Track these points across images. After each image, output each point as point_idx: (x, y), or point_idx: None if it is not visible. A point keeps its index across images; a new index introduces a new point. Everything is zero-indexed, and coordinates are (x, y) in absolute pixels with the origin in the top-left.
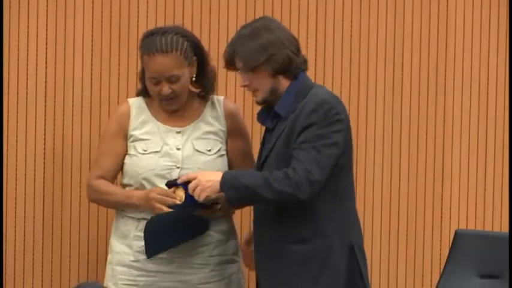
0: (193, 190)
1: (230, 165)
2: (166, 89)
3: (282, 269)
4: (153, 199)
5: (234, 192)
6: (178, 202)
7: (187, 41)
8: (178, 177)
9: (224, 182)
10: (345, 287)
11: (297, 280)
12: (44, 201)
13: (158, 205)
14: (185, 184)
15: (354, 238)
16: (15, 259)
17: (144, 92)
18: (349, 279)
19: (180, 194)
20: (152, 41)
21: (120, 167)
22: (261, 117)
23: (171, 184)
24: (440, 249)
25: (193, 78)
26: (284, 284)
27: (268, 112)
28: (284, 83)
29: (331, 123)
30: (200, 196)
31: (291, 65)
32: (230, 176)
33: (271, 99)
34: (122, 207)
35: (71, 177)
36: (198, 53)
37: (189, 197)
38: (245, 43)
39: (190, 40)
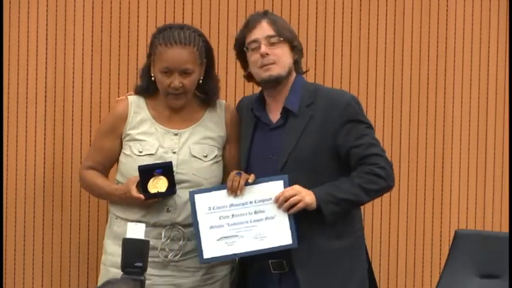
0: (290, 196)
1: (226, 171)
2: (177, 82)
3: (326, 262)
4: (132, 196)
5: (334, 207)
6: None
7: (202, 41)
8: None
9: (321, 199)
10: (367, 277)
11: (341, 271)
12: (44, 201)
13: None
14: (161, 169)
15: (363, 231)
16: (15, 259)
17: (145, 91)
18: (368, 270)
19: (159, 182)
20: (171, 33)
21: (111, 163)
22: (258, 112)
23: (143, 169)
24: (440, 249)
25: (200, 81)
26: (330, 275)
27: (263, 107)
28: (293, 74)
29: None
30: (298, 206)
31: (302, 56)
32: (324, 193)
33: (282, 79)
34: (108, 200)
35: (71, 177)
36: (208, 56)
37: (171, 185)
38: (280, 20)
39: (205, 41)
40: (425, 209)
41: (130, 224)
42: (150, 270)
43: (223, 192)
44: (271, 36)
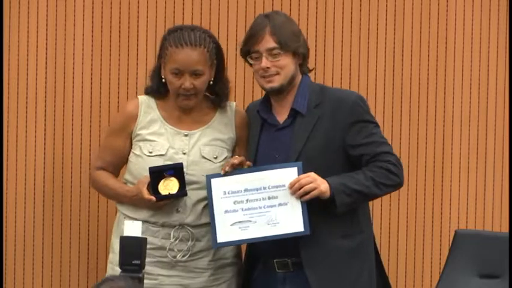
0: (306, 183)
1: None
2: (188, 83)
3: (334, 262)
4: (143, 198)
5: (346, 197)
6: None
7: (213, 42)
8: (167, 165)
9: (335, 189)
10: (377, 275)
11: (349, 271)
12: (44, 201)
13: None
14: (172, 170)
15: (372, 231)
16: (15, 259)
17: (155, 92)
18: (377, 269)
19: (170, 184)
20: (181, 35)
21: (121, 162)
22: (264, 113)
23: (154, 171)
24: (440, 249)
25: (211, 82)
26: (339, 275)
27: (269, 108)
28: (298, 76)
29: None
30: (312, 193)
31: (308, 57)
32: (338, 183)
33: (285, 88)
34: (118, 202)
35: (71, 177)
36: (218, 58)
37: (182, 187)
38: (284, 25)
39: (215, 42)
40: (426, 209)
41: (127, 222)
42: (157, 270)
43: (239, 177)
44: (272, 49)
